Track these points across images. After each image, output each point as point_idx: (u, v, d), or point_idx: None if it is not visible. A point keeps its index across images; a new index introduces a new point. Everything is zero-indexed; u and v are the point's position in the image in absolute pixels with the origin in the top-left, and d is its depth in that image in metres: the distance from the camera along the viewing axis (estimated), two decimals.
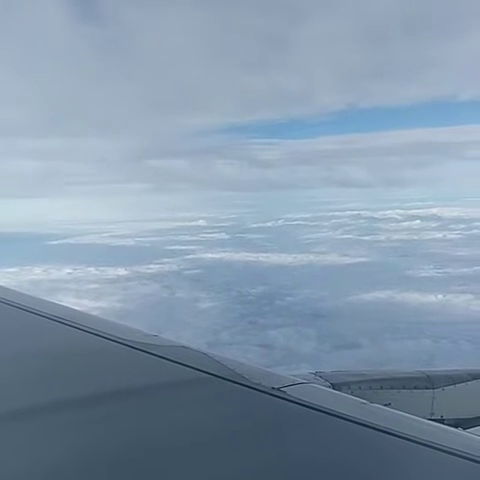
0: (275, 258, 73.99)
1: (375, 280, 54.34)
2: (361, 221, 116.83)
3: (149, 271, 63.38)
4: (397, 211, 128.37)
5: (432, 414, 3.88)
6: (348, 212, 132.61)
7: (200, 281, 57.38)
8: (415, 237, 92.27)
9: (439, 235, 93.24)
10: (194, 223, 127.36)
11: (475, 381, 4.16)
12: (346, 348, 33.57)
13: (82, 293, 49.83)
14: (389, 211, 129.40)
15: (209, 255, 77.85)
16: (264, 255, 76.29)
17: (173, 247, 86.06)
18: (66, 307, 4.05)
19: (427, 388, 4.00)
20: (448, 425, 3.08)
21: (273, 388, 2.31)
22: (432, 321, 39.90)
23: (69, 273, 61.97)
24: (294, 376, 2.60)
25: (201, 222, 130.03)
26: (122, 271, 62.22)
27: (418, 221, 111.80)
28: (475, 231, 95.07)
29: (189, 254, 78.43)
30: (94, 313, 4.26)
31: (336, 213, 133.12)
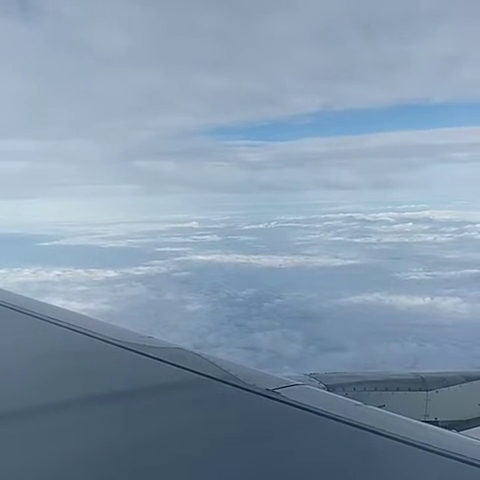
0: (266, 260, 74.06)
1: (364, 283, 54.43)
2: (353, 223, 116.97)
3: (138, 273, 63.30)
4: (390, 213, 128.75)
5: (426, 416, 3.88)
6: (341, 214, 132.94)
7: (189, 283, 57.29)
8: (406, 240, 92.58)
9: (430, 238, 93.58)
10: (186, 225, 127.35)
11: (469, 383, 4.16)
12: (331, 351, 33.58)
13: (70, 295, 49.71)
14: (381, 213, 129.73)
15: (199, 257, 77.77)
16: (255, 257, 76.33)
17: (164, 249, 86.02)
18: (60, 308, 4.05)
19: (421, 390, 4.01)
20: (442, 427, 3.09)
21: (267, 390, 2.30)
22: (419, 324, 39.97)
23: (58, 275, 61.85)
24: (288, 378, 2.59)
25: (193, 224, 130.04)
26: (111, 273, 62.13)
27: (410, 224, 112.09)
28: (466, 234, 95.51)
29: (179, 256, 78.42)
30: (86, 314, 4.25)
31: (329, 215, 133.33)
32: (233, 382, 2.40)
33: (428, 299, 47.64)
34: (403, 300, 47.57)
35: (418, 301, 47.23)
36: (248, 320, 41.83)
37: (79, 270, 63.42)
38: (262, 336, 37.20)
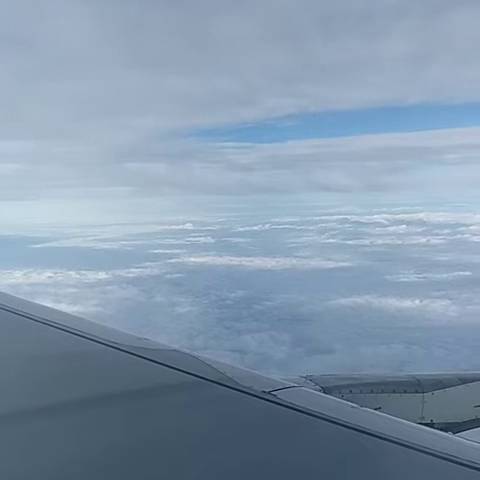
0: (258, 262, 74.05)
1: (355, 285, 54.45)
2: (347, 225, 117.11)
3: (130, 275, 63.24)
4: (384, 216, 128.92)
5: (422, 418, 3.88)
6: (335, 216, 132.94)
7: (180, 285, 57.25)
8: (399, 242, 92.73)
9: (423, 240, 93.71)
10: (181, 227, 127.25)
11: (464, 385, 4.16)
12: (319, 353, 33.59)
13: (60, 297, 49.61)
14: (376, 216, 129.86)
15: (192, 259, 77.75)
16: (247, 259, 76.29)
17: (157, 251, 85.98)
18: (56, 310, 4.05)
19: (417, 392, 4.02)
20: (438, 429, 3.09)
21: (264, 392, 2.29)
22: (407, 326, 40.01)
23: (49, 277, 61.76)
24: (285, 380, 2.59)
25: (188, 226, 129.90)
26: (103, 275, 62.06)
27: (404, 226, 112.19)
28: (458, 236, 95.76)
29: (172, 258, 78.36)
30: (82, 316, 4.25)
31: (324, 217, 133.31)
32: (229, 384, 2.38)
33: (418, 301, 47.69)
34: (393, 302, 47.62)
35: (408, 303, 47.27)
36: (237, 322, 41.80)
37: (71, 272, 63.35)
38: (250, 338, 37.20)
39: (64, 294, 51.97)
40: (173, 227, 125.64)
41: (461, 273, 59.81)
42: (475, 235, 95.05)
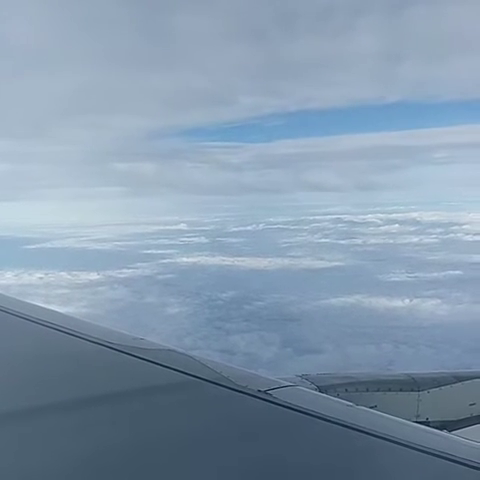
0: (250, 262, 73.97)
1: (346, 284, 54.48)
2: (340, 225, 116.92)
3: (121, 276, 63.02)
4: (378, 215, 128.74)
5: (418, 416, 3.87)
6: (329, 216, 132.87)
7: (172, 286, 57.17)
8: (391, 241, 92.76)
9: (415, 239, 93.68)
10: (175, 227, 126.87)
11: (460, 383, 4.16)
12: (307, 353, 33.61)
13: (50, 298, 49.39)
14: (370, 215, 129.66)
15: (185, 259, 77.62)
16: (240, 259, 76.24)
17: (150, 251, 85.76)
18: (52, 310, 4.07)
19: (413, 390, 4.01)
20: (433, 427, 3.11)
21: (259, 391, 2.30)
22: (396, 326, 40.11)
23: (40, 278, 61.52)
24: (280, 379, 2.60)
25: (182, 226, 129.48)
26: (94, 276, 61.89)
27: (397, 225, 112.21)
28: (451, 235, 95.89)
29: (165, 258, 78.20)
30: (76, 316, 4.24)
31: (317, 217, 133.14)
32: (225, 384, 2.39)
33: (408, 301, 47.79)
34: (383, 302, 47.68)
35: (398, 303, 47.36)
36: (227, 322, 41.81)
37: (62, 273, 63.15)
38: (239, 339, 37.20)
39: (54, 295, 51.82)
40: (167, 227, 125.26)
41: (452, 272, 59.96)
42: (468, 234, 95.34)
